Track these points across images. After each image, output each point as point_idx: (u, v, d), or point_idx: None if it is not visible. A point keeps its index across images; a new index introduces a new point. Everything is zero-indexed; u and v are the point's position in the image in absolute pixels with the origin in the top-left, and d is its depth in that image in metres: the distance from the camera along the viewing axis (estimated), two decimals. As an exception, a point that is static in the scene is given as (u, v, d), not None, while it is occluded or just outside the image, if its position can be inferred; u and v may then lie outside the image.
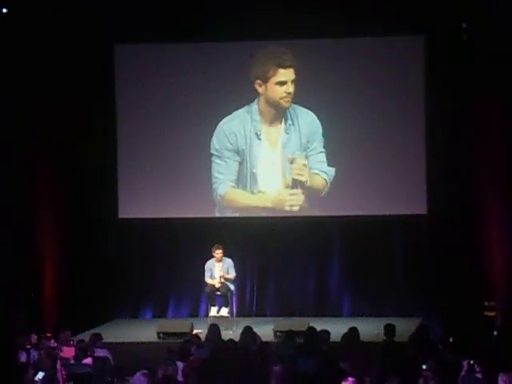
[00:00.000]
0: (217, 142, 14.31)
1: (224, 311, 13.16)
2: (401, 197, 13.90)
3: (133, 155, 14.41)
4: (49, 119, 13.92)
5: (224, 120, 14.27)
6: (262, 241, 14.45)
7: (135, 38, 14.09)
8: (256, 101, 14.25)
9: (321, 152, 14.12)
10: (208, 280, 13.27)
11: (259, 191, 14.22)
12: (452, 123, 13.48)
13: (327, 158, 14.10)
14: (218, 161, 14.32)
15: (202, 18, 13.76)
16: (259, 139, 14.26)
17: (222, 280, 13.16)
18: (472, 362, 8.77)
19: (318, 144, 14.13)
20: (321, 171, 14.12)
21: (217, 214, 14.34)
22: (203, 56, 14.29)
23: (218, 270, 13.27)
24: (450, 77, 13.43)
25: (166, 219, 14.32)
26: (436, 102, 13.63)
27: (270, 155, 14.26)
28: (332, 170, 14.07)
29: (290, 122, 14.18)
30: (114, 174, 14.37)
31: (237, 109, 14.26)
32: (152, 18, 13.80)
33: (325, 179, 14.11)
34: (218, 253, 13.25)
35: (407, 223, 14.00)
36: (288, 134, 14.19)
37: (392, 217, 13.94)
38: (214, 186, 14.31)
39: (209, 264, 13.35)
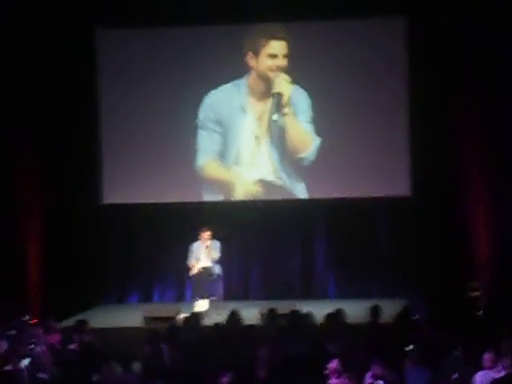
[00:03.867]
0: (201, 112, 14.24)
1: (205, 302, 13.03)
2: (385, 179, 13.93)
3: (117, 140, 14.37)
4: (30, 104, 13.87)
5: (210, 93, 14.22)
6: (247, 224, 14.44)
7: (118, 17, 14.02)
8: (245, 76, 14.17)
9: (308, 122, 14.13)
10: (191, 263, 13.22)
11: (241, 164, 14.18)
12: (435, 103, 13.51)
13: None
14: (201, 131, 14.26)
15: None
16: (244, 112, 14.20)
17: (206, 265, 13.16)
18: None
19: (306, 118, 14.14)
20: (306, 129, 14.09)
21: (204, 199, 14.31)
22: (191, 36, 14.19)
23: (205, 252, 13.18)
24: (432, 55, 13.46)
25: (150, 204, 14.30)
26: (419, 81, 13.63)
27: (255, 130, 14.19)
28: (318, 140, 14.05)
29: (274, 96, 14.11)
30: (98, 159, 14.34)
31: (224, 83, 14.20)
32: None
33: (309, 136, 14.04)
34: (206, 235, 13.16)
35: (392, 205, 14.02)
36: (272, 108, 14.11)
37: (376, 199, 13.96)
38: (196, 157, 14.28)
39: (195, 246, 13.25)
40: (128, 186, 14.31)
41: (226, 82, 14.22)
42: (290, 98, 14.01)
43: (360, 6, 13.53)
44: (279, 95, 14.02)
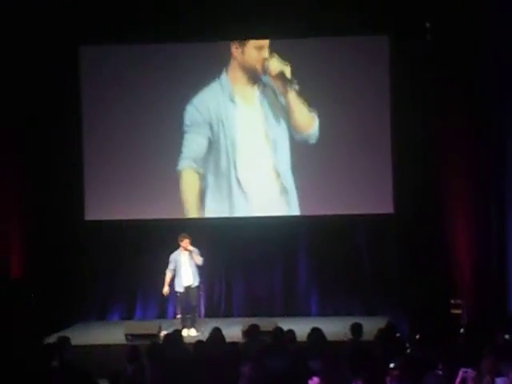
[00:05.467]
0: (187, 116, 14.19)
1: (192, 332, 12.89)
2: (367, 196, 13.96)
3: (99, 156, 14.35)
4: (13, 120, 13.84)
5: (194, 99, 14.19)
6: (229, 241, 14.44)
7: (100, 34, 14.03)
8: (224, 71, 14.16)
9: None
10: (168, 274, 13.02)
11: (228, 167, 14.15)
12: (417, 122, 13.57)
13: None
14: (186, 135, 14.22)
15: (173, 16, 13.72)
16: (233, 102, 14.16)
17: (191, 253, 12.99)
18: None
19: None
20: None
21: (187, 215, 14.27)
22: (168, 49, 14.24)
23: (185, 259, 13.02)
24: (415, 76, 13.53)
25: (133, 221, 14.27)
26: (401, 100, 13.70)
27: (249, 115, 14.14)
28: (317, 118, 14.03)
29: (263, 83, 14.13)
30: (81, 176, 14.31)
31: (204, 86, 14.18)
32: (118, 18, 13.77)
33: (311, 113, 14.03)
34: (186, 242, 13.00)
35: (374, 222, 14.06)
36: (263, 93, 14.15)
37: (359, 216, 14.00)
38: (178, 159, 14.24)
39: (174, 255, 13.06)
40: (111, 203, 14.28)
41: (206, 85, 14.19)
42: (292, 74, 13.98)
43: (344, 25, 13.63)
44: (282, 73, 13.95)
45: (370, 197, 13.93)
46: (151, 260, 14.28)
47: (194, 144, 14.19)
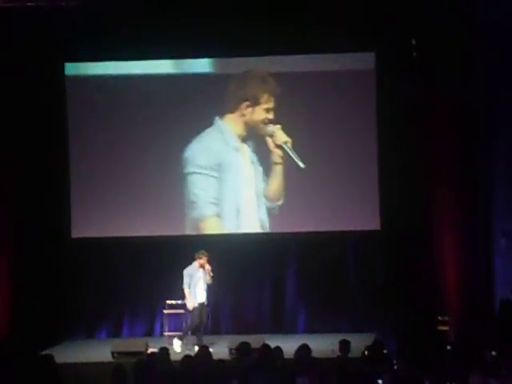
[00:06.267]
0: (199, 158, 14.27)
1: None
2: (354, 213, 14.01)
3: (85, 174, 14.37)
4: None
5: (196, 139, 14.25)
6: (217, 258, 14.41)
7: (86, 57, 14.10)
8: (217, 118, 14.24)
9: None
10: (187, 289, 12.98)
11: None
12: (403, 139, 13.64)
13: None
14: (198, 177, 14.28)
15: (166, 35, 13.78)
16: (237, 151, 14.29)
17: (210, 274, 13.00)
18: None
19: None
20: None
21: (174, 232, 14.29)
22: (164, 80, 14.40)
23: (200, 276, 13.00)
24: (401, 94, 13.59)
25: (119, 238, 14.26)
26: (387, 118, 13.77)
27: (244, 168, 14.33)
28: None
29: (255, 144, 14.29)
30: (67, 194, 14.30)
31: (199, 132, 14.29)
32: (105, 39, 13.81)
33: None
34: (205, 260, 12.98)
35: (361, 239, 14.10)
36: (254, 152, 14.29)
37: (346, 233, 14.04)
38: (194, 205, 14.26)
39: (189, 269, 13.02)
40: (97, 221, 14.27)
41: (203, 128, 14.29)
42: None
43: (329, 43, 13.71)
44: (286, 143, 14.10)
45: (357, 213, 13.98)
46: (138, 277, 14.29)
47: (207, 185, 14.28)
